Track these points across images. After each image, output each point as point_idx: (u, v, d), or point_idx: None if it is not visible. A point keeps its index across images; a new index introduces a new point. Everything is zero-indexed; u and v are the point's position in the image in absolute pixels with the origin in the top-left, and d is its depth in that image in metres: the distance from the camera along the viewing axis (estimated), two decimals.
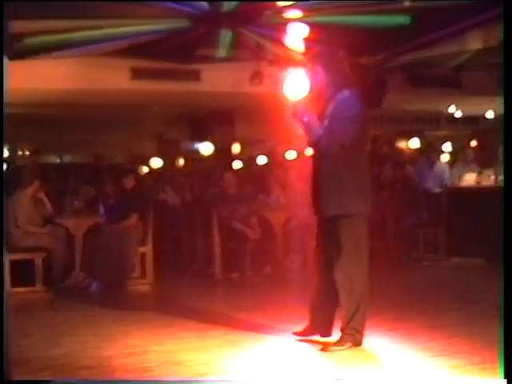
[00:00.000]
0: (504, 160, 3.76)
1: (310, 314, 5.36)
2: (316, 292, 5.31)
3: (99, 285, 8.43)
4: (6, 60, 6.65)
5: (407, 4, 7.35)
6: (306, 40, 8.85)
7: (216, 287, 9.08)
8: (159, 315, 6.83)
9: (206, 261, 9.88)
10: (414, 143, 16.00)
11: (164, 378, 4.54)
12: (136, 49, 8.55)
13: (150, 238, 9.08)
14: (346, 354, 4.95)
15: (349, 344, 4.97)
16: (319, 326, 5.30)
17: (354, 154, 4.94)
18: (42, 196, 9.10)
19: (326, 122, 4.85)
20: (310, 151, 5.15)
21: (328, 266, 5.08)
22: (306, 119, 4.93)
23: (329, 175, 4.98)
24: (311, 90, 4.98)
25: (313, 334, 5.32)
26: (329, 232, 5.07)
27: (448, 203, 10.53)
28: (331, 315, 5.24)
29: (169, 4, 7.04)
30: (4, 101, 7.30)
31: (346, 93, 4.92)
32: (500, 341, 3.75)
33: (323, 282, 5.18)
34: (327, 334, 5.25)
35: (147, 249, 9.03)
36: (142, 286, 8.81)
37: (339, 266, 5.00)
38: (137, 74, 10.35)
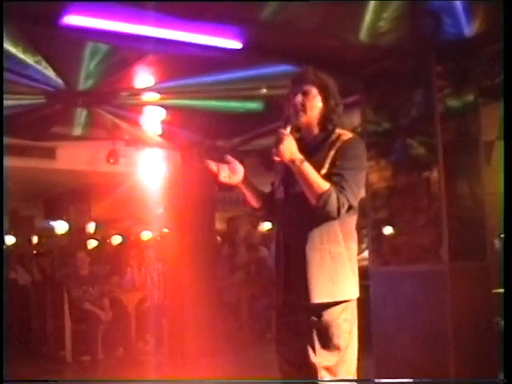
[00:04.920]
0: (504, 160, 3.78)
1: None
2: None
3: None
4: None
5: (263, 91, 7.59)
6: (163, 122, 8.97)
7: (66, 371, 8.81)
8: None
9: (57, 343, 9.60)
10: (270, 225, 16.26)
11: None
12: None
13: None
14: None
15: None
16: None
17: (351, 218, 3.67)
18: None
19: (330, 172, 3.51)
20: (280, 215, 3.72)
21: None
22: (301, 165, 3.43)
23: (320, 248, 3.53)
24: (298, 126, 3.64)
25: None
26: (310, 325, 3.52)
27: None
28: None
29: (24, 80, 6.96)
30: (4, 102, 6.99)
31: (351, 134, 3.68)
32: (500, 341, 3.71)
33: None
34: None
35: None
36: None
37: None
38: None
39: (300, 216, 3.56)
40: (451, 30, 5.84)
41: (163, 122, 8.93)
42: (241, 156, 10.00)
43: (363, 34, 5.81)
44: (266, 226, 15.71)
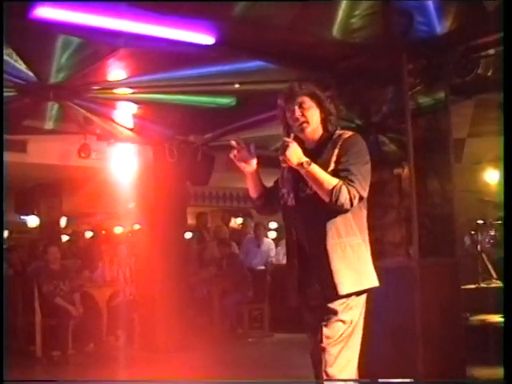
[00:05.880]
0: (504, 159, 3.78)
1: None
2: None
3: None
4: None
5: (236, 87, 7.59)
6: (135, 117, 8.93)
7: (36, 366, 8.75)
8: None
9: (26, 338, 9.54)
10: (241, 221, 16.25)
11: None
12: None
13: None
14: None
15: None
16: None
17: (362, 212, 3.85)
18: None
19: (336, 169, 3.67)
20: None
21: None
22: (308, 167, 3.58)
23: (340, 241, 3.68)
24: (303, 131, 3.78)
25: None
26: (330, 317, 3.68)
27: (272, 280, 10.77)
28: None
29: None
30: (4, 100, 6.91)
31: (351, 133, 3.85)
32: (500, 341, 3.72)
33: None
34: None
35: None
36: None
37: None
38: None
39: (314, 216, 3.70)
40: (423, 28, 5.89)
41: (135, 116, 8.89)
42: (213, 151, 10.04)
43: (336, 30, 5.83)
44: (238, 221, 15.76)
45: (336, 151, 3.71)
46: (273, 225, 16.76)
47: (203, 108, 8.44)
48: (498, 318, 8.15)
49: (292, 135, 3.68)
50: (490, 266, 9.67)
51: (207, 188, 14.37)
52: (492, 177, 12.50)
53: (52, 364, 8.81)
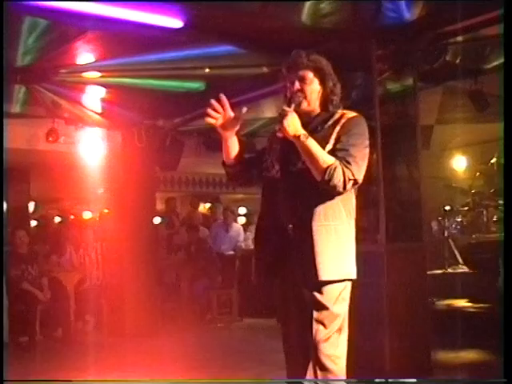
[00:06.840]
0: (504, 159, 3.75)
1: None
2: None
3: None
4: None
5: (206, 71, 7.57)
6: (103, 101, 8.87)
7: (3, 352, 8.68)
8: None
9: None
10: (210, 206, 16.22)
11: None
12: None
13: None
14: None
15: None
16: None
17: (352, 195, 3.65)
18: None
19: (335, 148, 3.47)
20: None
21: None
22: (305, 140, 3.38)
23: (326, 224, 3.48)
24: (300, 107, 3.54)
25: None
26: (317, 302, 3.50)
27: (241, 265, 10.78)
28: None
29: None
30: (4, 101, 6.79)
31: (355, 113, 3.63)
32: (500, 341, 3.66)
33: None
34: None
35: None
36: None
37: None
38: None
39: (303, 193, 3.49)
40: (391, 14, 5.90)
41: (103, 100, 8.84)
42: (182, 136, 10.00)
43: (305, 15, 5.82)
44: (206, 206, 15.75)
45: (337, 128, 3.50)
46: (242, 210, 16.78)
47: (172, 92, 8.41)
48: (463, 303, 8.28)
49: (293, 105, 3.46)
50: (456, 252, 9.81)
51: (176, 173, 14.33)
52: (459, 163, 12.63)
53: (20, 350, 8.75)
